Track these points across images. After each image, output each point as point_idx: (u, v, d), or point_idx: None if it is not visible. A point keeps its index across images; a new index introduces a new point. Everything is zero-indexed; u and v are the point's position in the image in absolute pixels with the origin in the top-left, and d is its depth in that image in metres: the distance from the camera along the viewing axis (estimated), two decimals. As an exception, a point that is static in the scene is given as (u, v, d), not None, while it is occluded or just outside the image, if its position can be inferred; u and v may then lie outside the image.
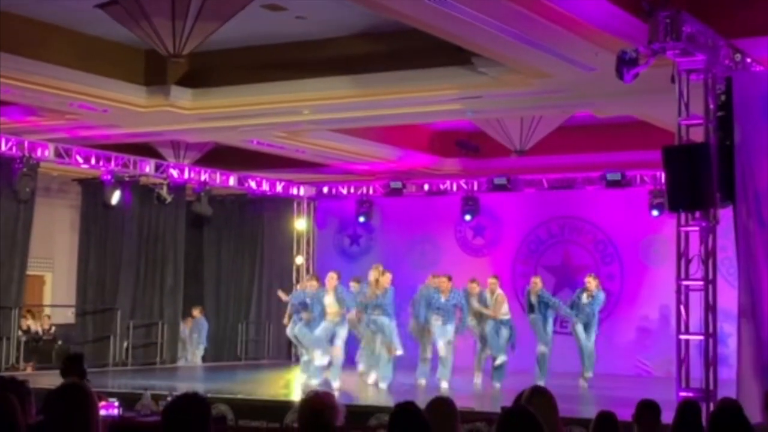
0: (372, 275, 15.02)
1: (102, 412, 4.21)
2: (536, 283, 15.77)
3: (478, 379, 15.76)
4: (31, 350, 18.76)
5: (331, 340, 15.07)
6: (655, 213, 18.03)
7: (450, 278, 15.31)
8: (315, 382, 14.62)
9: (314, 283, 15.45)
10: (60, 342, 19.55)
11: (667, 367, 16.24)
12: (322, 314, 14.96)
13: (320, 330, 14.91)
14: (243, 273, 21.67)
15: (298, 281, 21.74)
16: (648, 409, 6.49)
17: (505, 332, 15.46)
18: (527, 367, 15.41)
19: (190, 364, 20.07)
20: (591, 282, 15.80)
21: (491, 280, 15.76)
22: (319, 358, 14.88)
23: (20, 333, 18.38)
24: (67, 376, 7.43)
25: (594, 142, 17.66)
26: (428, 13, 10.37)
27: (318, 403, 4.56)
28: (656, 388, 12.57)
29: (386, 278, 14.94)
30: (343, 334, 15.06)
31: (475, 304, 15.51)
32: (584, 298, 15.68)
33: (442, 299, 15.09)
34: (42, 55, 13.19)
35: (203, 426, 3.92)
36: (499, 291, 15.64)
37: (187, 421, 3.90)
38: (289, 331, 16.11)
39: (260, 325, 21.37)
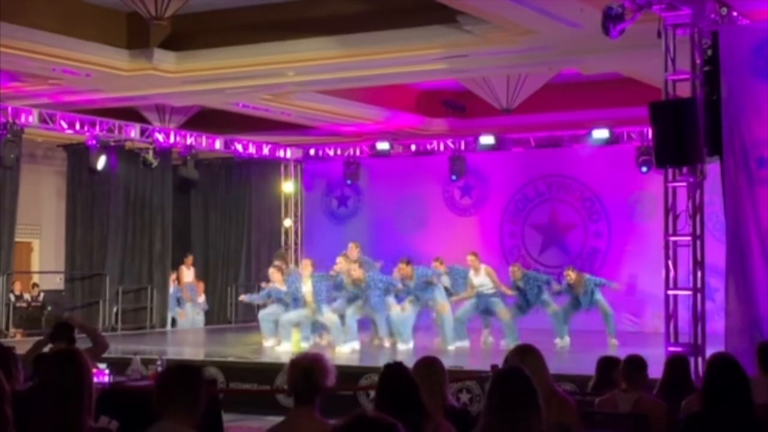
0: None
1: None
2: (514, 272, 15.70)
3: (488, 338, 15.89)
4: (20, 316, 18.77)
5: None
6: (643, 169, 18.01)
7: (409, 261, 15.24)
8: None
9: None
10: (49, 308, 19.55)
11: (655, 323, 16.33)
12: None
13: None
14: (231, 236, 21.64)
15: (286, 243, 21.78)
16: (635, 365, 6.52)
17: (497, 300, 15.46)
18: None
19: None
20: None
21: (471, 257, 15.54)
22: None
23: (12, 298, 18.40)
24: (56, 342, 7.42)
25: (581, 100, 17.62)
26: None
27: (308, 363, 4.57)
28: (644, 344, 12.66)
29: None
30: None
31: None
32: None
33: (411, 284, 15.07)
34: (22, 19, 13.03)
35: (195, 395, 3.94)
36: (484, 266, 15.49)
37: (179, 390, 3.91)
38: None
39: (250, 288, 21.30)
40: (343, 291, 15.16)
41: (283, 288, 15.34)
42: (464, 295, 15.53)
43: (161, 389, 3.98)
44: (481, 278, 15.37)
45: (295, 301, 15.18)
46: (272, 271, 15.75)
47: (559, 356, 13.88)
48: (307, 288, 14.97)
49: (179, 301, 20.44)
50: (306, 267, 15.32)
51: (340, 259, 15.34)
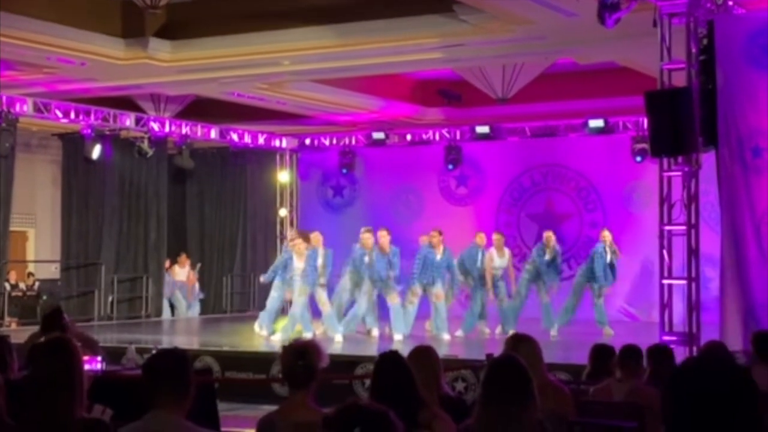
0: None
1: (85, 367, 4.17)
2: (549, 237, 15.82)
3: (484, 328, 15.92)
4: (15, 305, 18.76)
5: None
6: (638, 159, 18.01)
7: (441, 232, 15.24)
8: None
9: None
10: (44, 297, 19.54)
11: (650, 312, 16.35)
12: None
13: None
14: (226, 226, 21.64)
15: (282, 233, 21.76)
16: (630, 354, 6.53)
17: (502, 283, 15.63)
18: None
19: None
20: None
21: (497, 236, 15.77)
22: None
23: (8, 287, 18.39)
24: (48, 332, 7.40)
25: (576, 89, 17.59)
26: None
27: (301, 345, 4.61)
28: (640, 333, 12.67)
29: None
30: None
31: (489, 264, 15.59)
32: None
33: (438, 257, 15.05)
34: (17, 8, 13.00)
35: (184, 380, 3.91)
36: (507, 250, 15.86)
37: (168, 376, 3.89)
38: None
39: (245, 277, 21.38)
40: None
41: (302, 264, 14.75)
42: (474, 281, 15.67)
43: (150, 377, 3.90)
44: (504, 261, 15.56)
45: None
46: (299, 242, 14.99)
47: (553, 345, 13.87)
48: (320, 261, 14.94)
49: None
50: (317, 239, 15.22)
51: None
